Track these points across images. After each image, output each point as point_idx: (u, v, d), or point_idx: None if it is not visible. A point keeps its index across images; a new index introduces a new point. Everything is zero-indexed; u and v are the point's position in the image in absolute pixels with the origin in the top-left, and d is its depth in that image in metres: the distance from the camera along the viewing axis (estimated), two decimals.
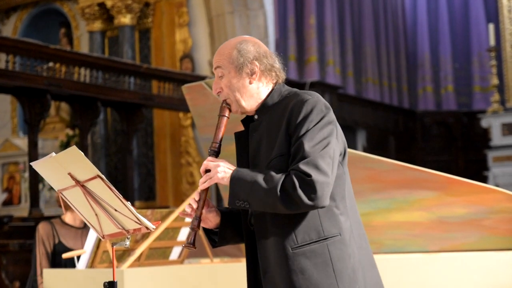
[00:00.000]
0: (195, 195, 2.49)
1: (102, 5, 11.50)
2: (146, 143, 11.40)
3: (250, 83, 2.49)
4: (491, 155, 11.04)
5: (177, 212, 4.43)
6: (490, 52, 11.34)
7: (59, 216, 4.97)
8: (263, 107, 2.49)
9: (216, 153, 2.46)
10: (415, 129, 13.03)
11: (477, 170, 11.34)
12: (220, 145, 2.48)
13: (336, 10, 11.36)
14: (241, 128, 2.57)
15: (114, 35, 11.63)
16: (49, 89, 8.14)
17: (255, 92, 2.50)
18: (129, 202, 2.57)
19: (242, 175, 2.36)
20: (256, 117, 2.51)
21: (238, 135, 2.58)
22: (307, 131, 2.33)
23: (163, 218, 4.35)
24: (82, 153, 2.49)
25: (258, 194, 2.32)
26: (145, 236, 4.29)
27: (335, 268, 2.34)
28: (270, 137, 2.42)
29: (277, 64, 2.53)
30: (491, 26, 11.24)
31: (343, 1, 11.61)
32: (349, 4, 11.78)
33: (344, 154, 2.45)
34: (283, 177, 2.30)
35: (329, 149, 2.33)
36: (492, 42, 11.18)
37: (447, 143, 13.04)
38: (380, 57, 12.48)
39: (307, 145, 2.31)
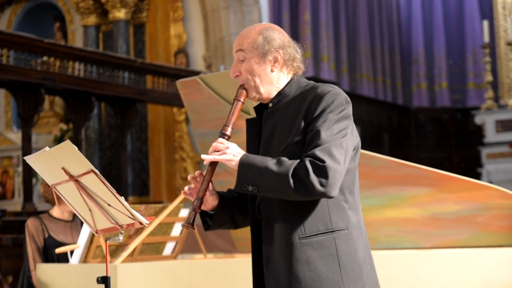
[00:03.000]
0: (197, 175, 2.44)
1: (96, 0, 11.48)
2: (140, 138, 11.39)
3: (272, 71, 2.49)
4: (484, 152, 11.03)
5: (177, 201, 4.43)
6: (484, 49, 11.33)
7: (47, 211, 4.98)
8: (280, 96, 2.49)
9: (227, 137, 2.43)
10: (409, 125, 13.04)
11: (470, 167, 11.35)
12: (232, 129, 2.44)
13: (330, 6, 11.35)
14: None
15: (108, 30, 11.60)
16: (43, 83, 8.13)
17: (275, 80, 2.50)
18: (122, 197, 2.57)
19: (252, 159, 2.34)
20: (270, 105, 2.50)
21: (249, 122, 2.57)
22: (325, 121, 2.34)
23: (157, 213, 4.34)
24: (76, 147, 2.48)
25: (268, 178, 2.28)
26: (139, 231, 4.29)
27: (340, 262, 2.34)
28: (285, 126, 2.42)
29: (299, 56, 2.54)
30: (486, 23, 11.23)
31: None
32: (344, 0, 11.77)
33: (356, 149, 2.45)
34: (295, 162, 2.28)
35: (343, 141, 2.33)
36: (486, 38, 11.18)
37: (441, 139, 13.04)
38: (374, 53, 12.48)
39: (324, 134, 2.31)
